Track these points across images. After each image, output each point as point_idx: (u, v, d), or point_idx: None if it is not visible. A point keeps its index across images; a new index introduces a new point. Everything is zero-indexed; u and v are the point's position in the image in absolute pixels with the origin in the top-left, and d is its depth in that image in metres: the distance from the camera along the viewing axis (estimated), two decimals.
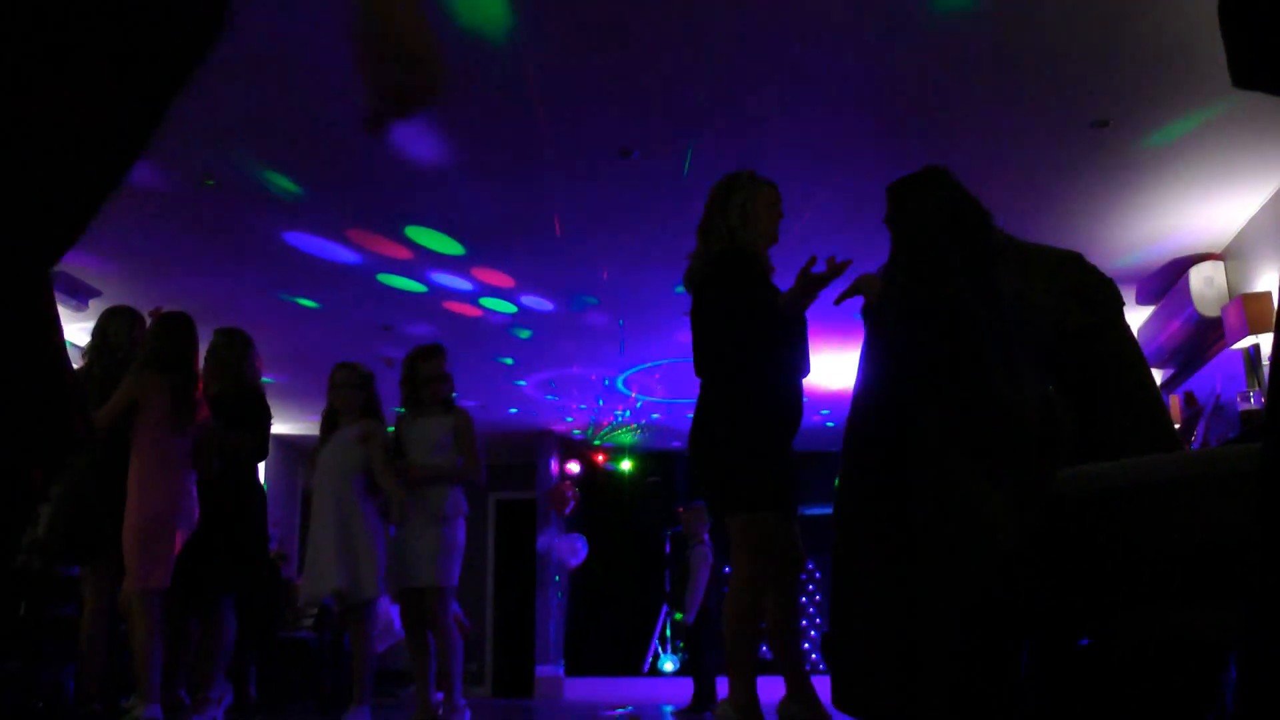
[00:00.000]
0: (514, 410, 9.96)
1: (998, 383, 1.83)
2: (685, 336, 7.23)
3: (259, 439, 4.53)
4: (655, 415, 10.26)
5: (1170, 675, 1.84)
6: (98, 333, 4.48)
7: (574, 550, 10.70)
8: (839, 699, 1.98)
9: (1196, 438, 5.83)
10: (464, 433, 4.59)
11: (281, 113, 4.46)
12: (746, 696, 3.05)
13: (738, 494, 3.09)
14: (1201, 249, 5.99)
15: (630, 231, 5.76)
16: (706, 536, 7.38)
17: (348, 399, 4.59)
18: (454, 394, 4.77)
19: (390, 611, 7.06)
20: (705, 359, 3.28)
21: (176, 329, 4.29)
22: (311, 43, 3.96)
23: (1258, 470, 1.52)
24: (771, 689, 3.30)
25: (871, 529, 1.89)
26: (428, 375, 4.60)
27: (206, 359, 4.63)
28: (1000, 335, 1.89)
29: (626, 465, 11.48)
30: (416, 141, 4.72)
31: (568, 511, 10.62)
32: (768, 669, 3.32)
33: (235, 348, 4.68)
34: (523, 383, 8.99)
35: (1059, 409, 1.96)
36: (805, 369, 3.33)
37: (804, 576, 7.57)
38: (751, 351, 3.14)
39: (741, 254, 3.26)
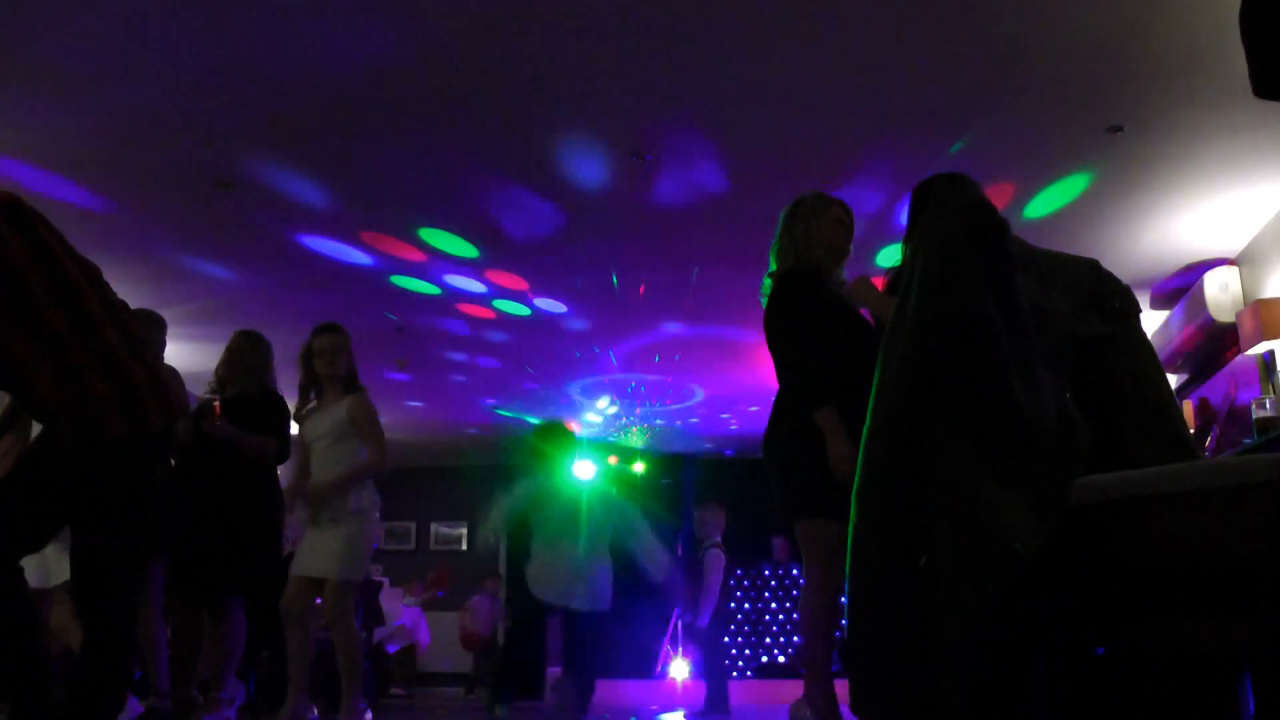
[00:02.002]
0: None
1: (1016, 391, 1.83)
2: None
3: (281, 442, 4.52)
4: (659, 421, 10.25)
5: (1187, 686, 1.84)
6: None
7: None
8: (857, 706, 1.98)
9: (1210, 444, 5.81)
10: (362, 417, 4.30)
11: (296, 114, 4.48)
12: (823, 698, 3.09)
13: (808, 500, 3.12)
14: (1216, 254, 5.97)
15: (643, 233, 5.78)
16: (720, 538, 7.29)
17: None
18: (354, 373, 4.43)
19: (405, 614, 7.00)
20: (777, 371, 3.32)
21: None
22: (329, 44, 3.97)
23: (1277, 480, 1.53)
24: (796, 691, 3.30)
25: (888, 537, 1.89)
26: (321, 349, 4.38)
27: (229, 361, 4.62)
28: (1019, 343, 1.89)
29: (640, 467, 11.44)
30: (431, 145, 4.73)
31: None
32: (787, 672, 3.35)
33: (259, 351, 4.65)
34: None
35: (1077, 417, 1.95)
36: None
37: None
38: (816, 363, 3.16)
39: (803, 272, 3.32)
